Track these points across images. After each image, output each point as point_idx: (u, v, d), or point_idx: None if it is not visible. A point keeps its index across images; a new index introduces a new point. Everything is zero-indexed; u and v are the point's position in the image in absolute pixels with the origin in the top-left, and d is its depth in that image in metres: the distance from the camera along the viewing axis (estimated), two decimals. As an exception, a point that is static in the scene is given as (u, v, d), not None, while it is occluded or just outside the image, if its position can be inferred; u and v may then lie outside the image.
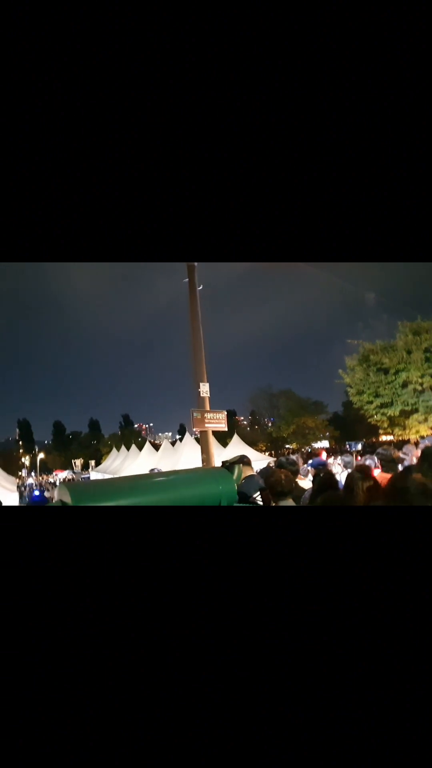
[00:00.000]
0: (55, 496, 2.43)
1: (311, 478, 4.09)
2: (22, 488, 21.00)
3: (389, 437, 18.03)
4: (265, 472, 3.54)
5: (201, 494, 2.18)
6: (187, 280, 7.16)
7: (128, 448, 23.44)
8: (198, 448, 14.59)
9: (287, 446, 33.87)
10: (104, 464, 26.41)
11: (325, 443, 31.91)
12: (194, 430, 9.13)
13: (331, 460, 6.72)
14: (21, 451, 45.87)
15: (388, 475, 3.36)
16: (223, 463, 3.72)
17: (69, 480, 26.11)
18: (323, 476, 2.98)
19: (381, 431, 18.56)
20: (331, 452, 14.97)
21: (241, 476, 3.39)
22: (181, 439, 20.13)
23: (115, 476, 16.78)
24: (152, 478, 2.90)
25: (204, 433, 7.26)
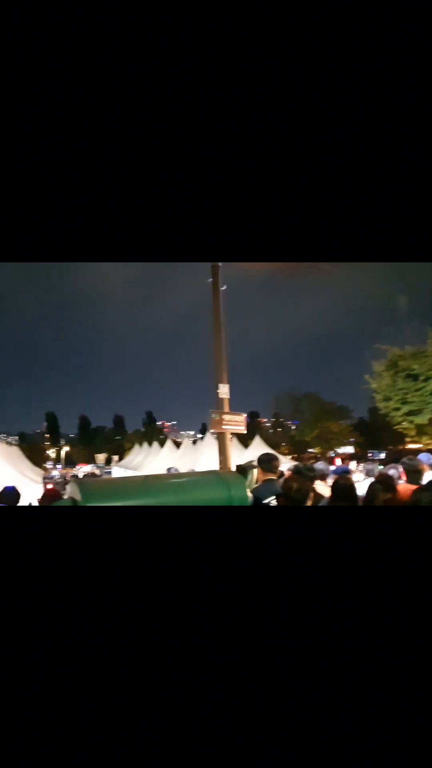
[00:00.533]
0: (67, 492, 2.45)
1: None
2: (48, 480, 21.56)
3: (417, 446, 17.52)
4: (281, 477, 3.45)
5: (211, 497, 2.14)
6: (211, 279, 7.13)
7: (150, 445, 23.74)
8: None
9: (310, 450, 33.46)
10: (126, 459, 26.85)
11: (350, 449, 31.34)
12: (211, 431, 9.12)
13: (353, 466, 6.52)
14: (47, 443, 47.24)
15: (413, 487, 3.20)
16: (238, 467, 3.65)
17: (91, 474, 26.67)
18: (340, 486, 2.86)
19: (407, 439, 18.05)
20: (351, 458, 14.61)
21: (254, 480, 3.31)
22: (202, 438, 20.20)
23: (134, 474, 17.00)
24: (163, 480, 2.87)
25: (222, 434, 7.20)
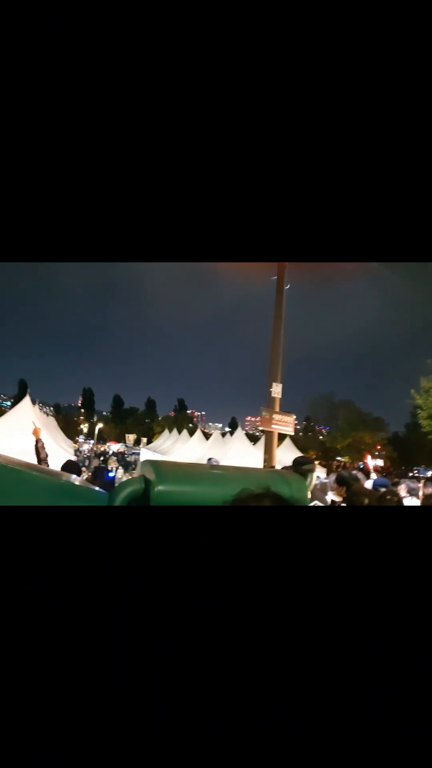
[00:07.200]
0: (138, 470, 2.53)
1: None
2: (78, 454, 22.26)
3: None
4: (357, 489, 3.45)
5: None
6: (276, 278, 7.02)
7: (179, 432, 23.98)
8: (248, 444, 14.62)
9: (338, 459, 32.81)
10: (155, 443, 27.27)
11: (380, 462, 30.49)
12: (260, 428, 9.11)
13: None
14: (82, 418, 48.73)
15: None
16: (296, 468, 3.67)
17: (120, 453, 27.28)
18: (390, 503, 2.80)
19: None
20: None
21: (313, 484, 3.32)
22: (231, 433, 20.20)
23: (162, 457, 17.21)
24: (230, 471, 2.93)
25: (270, 433, 7.18)
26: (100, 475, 4.59)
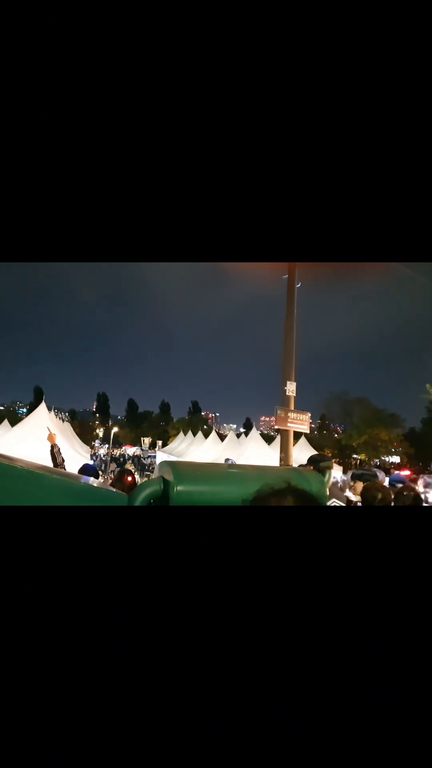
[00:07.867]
0: (156, 472, 2.54)
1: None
2: (95, 458, 22.62)
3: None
4: (371, 485, 3.41)
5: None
6: (287, 276, 7.01)
7: (194, 434, 24.07)
8: (263, 444, 14.59)
9: (354, 456, 32.50)
10: (171, 446, 27.42)
11: (396, 459, 30.13)
12: (276, 427, 9.10)
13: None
14: (97, 422, 49.34)
15: None
16: (314, 465, 3.64)
17: (136, 456, 27.55)
18: (407, 499, 2.77)
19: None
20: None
21: (330, 481, 3.30)
22: (246, 434, 20.19)
23: (177, 459, 17.31)
24: (247, 470, 2.93)
25: (285, 432, 7.16)
26: (122, 478, 4.62)
